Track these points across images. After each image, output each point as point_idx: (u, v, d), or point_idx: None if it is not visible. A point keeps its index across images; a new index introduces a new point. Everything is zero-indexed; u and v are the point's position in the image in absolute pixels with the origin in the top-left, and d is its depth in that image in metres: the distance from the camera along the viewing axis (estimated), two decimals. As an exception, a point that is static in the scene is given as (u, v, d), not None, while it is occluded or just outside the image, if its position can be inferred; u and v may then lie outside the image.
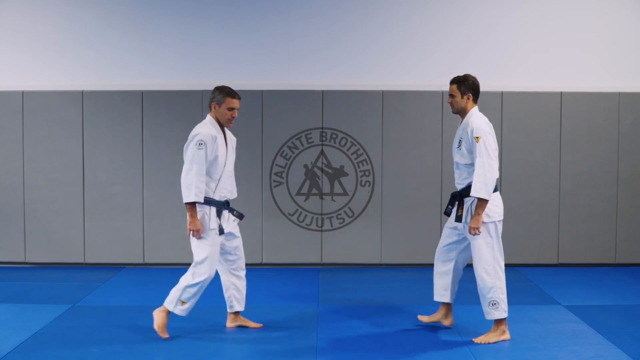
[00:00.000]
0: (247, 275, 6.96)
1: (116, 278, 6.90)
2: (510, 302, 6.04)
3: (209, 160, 4.87)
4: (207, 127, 4.93)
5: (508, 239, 7.35)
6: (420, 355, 4.64)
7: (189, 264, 7.41)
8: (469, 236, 4.89)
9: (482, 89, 7.41)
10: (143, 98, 7.30)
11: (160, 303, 5.96)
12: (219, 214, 4.93)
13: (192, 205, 4.83)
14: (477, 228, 4.80)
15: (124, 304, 5.92)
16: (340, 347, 4.81)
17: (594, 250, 7.42)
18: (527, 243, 7.39)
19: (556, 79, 7.44)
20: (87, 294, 6.25)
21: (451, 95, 5.03)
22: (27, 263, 7.40)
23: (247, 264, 7.36)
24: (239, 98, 5.04)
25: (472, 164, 4.87)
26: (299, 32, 7.43)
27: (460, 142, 4.94)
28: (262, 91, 7.28)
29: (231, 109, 4.98)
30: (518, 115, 7.33)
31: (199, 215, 4.86)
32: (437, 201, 7.35)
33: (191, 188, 4.80)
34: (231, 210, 5.05)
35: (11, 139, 7.30)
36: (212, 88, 7.26)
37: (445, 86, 7.34)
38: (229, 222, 5.03)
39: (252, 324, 5.22)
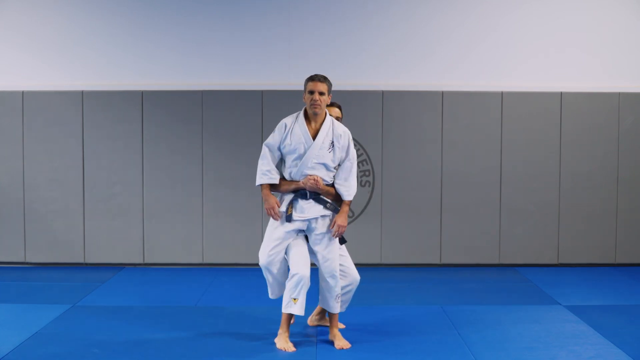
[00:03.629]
0: (246, 276, 7.01)
1: (116, 278, 6.90)
2: (510, 302, 6.07)
3: (279, 147, 4.81)
4: (288, 117, 4.88)
5: (508, 239, 7.38)
6: (419, 355, 4.64)
7: (189, 264, 7.48)
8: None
9: (482, 89, 7.52)
10: (143, 98, 7.30)
11: (160, 303, 5.99)
12: (292, 203, 4.80)
13: (261, 187, 4.84)
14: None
15: (124, 304, 5.92)
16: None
17: (594, 250, 7.42)
18: (527, 243, 7.39)
19: (556, 79, 7.44)
20: (87, 294, 6.25)
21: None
22: (27, 263, 7.40)
23: (245, 264, 7.42)
24: (319, 80, 4.77)
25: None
26: (299, 32, 7.43)
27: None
28: (262, 91, 7.28)
29: (311, 92, 4.75)
30: (518, 115, 7.33)
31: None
32: (437, 201, 7.35)
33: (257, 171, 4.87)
34: (322, 202, 4.82)
35: (11, 139, 7.30)
36: (212, 88, 7.38)
37: (445, 86, 7.36)
38: (305, 212, 4.80)
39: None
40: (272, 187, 4.88)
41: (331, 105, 5.18)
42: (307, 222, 4.83)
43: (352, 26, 7.45)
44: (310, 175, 4.77)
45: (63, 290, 6.36)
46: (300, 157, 4.77)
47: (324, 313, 5.29)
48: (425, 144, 7.36)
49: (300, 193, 4.80)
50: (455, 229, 7.37)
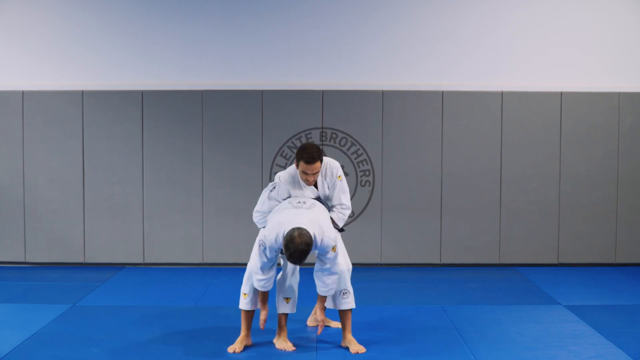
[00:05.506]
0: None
1: (116, 278, 6.90)
2: (510, 302, 6.07)
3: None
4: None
5: (508, 239, 7.38)
6: (419, 355, 4.64)
7: (189, 264, 7.48)
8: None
9: (482, 89, 7.51)
10: (143, 98, 7.30)
11: (160, 303, 5.99)
12: None
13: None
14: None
15: (124, 304, 5.92)
16: (340, 347, 4.81)
17: (594, 250, 7.42)
18: (527, 243, 7.39)
19: (556, 79, 7.44)
20: (87, 294, 6.25)
21: (315, 173, 4.73)
22: (27, 263, 7.40)
23: (246, 264, 7.38)
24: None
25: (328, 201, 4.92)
26: (299, 31, 7.43)
27: (327, 187, 4.88)
28: (262, 91, 7.28)
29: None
30: (518, 115, 7.33)
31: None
32: (437, 201, 7.35)
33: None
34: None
35: (11, 139, 7.30)
36: (212, 88, 7.38)
37: (445, 86, 7.36)
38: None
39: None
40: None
41: None
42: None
43: (352, 26, 7.45)
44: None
45: (63, 290, 6.35)
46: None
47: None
48: (425, 144, 7.36)
49: None
50: (455, 229, 7.37)
